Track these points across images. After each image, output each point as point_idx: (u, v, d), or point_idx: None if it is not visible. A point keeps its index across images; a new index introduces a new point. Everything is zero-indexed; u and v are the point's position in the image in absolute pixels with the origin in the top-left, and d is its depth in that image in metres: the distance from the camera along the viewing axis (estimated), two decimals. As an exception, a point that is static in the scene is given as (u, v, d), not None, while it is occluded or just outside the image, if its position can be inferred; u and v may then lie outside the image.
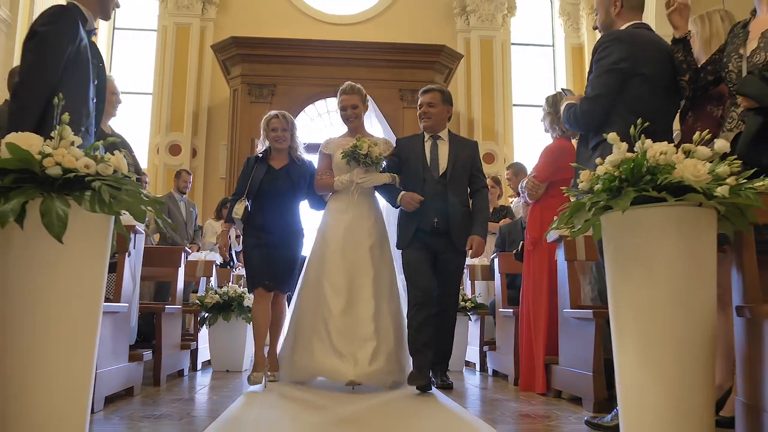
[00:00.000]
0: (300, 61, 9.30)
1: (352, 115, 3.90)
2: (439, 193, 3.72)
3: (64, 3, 2.74)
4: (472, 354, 5.26)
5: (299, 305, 3.83)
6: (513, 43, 11.31)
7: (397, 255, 3.89)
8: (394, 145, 3.96)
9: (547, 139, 4.03)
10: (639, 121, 1.85)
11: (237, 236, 6.29)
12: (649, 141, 1.78)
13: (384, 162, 3.82)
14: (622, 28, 2.65)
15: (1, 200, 1.57)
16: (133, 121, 10.22)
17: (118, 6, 2.91)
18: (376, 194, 3.95)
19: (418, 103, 3.94)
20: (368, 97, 4.03)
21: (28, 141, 1.64)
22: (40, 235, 1.60)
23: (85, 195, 1.63)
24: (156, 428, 2.46)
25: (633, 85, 2.48)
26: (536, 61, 11.69)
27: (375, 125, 4.22)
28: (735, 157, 1.81)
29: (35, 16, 8.76)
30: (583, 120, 2.59)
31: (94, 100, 2.70)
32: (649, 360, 1.73)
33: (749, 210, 1.76)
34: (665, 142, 1.80)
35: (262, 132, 4.06)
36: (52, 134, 1.75)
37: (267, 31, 9.97)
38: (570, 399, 3.26)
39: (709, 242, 1.77)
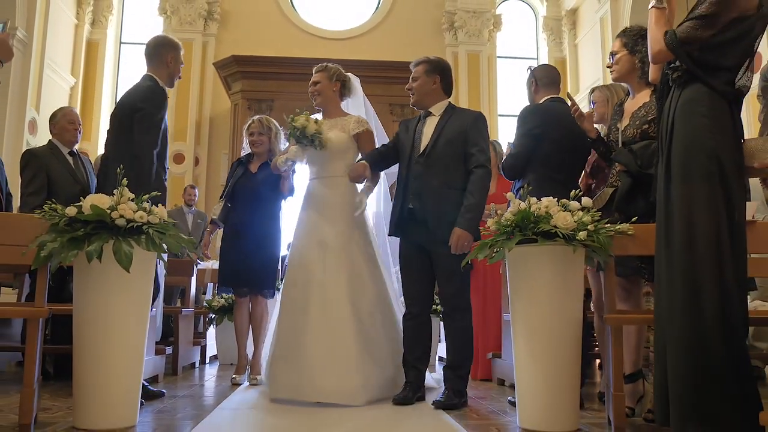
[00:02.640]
0: (297, 78, 9.81)
1: (314, 92, 3.67)
2: (418, 174, 3.31)
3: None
4: (443, 351, 5.98)
5: (279, 310, 3.55)
6: (499, 57, 11.94)
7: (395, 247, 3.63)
8: (370, 126, 3.62)
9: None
10: (526, 185, 2.60)
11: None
12: (534, 198, 2.53)
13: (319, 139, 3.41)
14: (541, 101, 3.42)
15: (86, 243, 2.31)
16: (140, 130, 10.86)
17: (180, 78, 3.61)
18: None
19: None
20: (349, 78, 3.78)
21: (101, 200, 2.39)
22: (112, 266, 2.34)
23: (142, 238, 2.38)
24: (180, 404, 3.21)
25: (543, 146, 3.24)
26: (521, 73, 12.26)
27: (370, 113, 3.89)
28: (596, 209, 2.57)
29: (49, 36, 9.47)
30: (507, 170, 3.39)
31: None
32: (532, 352, 2.51)
33: (608, 247, 2.50)
34: (550, 197, 2.55)
35: (244, 136, 4.25)
36: (114, 191, 2.49)
37: (265, 44, 10.58)
38: (510, 386, 3.99)
39: (577, 270, 2.54)
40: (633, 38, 2.99)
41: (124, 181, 2.49)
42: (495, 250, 2.58)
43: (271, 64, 10.00)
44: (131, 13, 11.77)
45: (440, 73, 3.45)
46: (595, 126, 3.15)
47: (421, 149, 3.35)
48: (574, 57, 11.81)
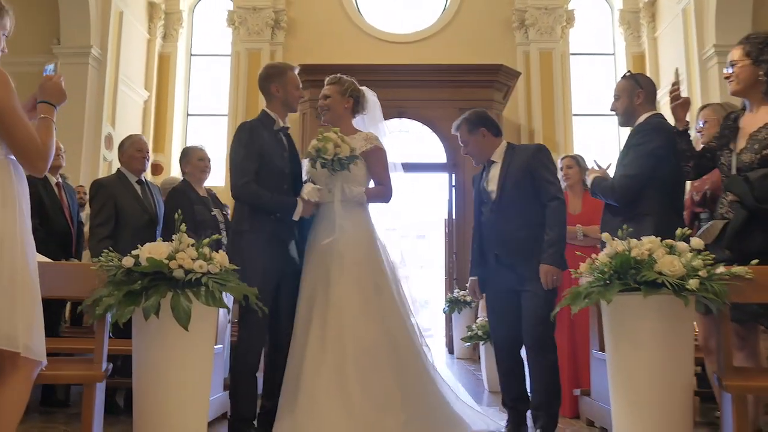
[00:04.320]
0: (363, 85, 9.59)
1: (323, 106, 3.45)
2: (493, 222, 3.30)
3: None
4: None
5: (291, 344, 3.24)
6: (572, 54, 11.49)
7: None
8: (380, 144, 3.39)
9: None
10: (625, 226, 2.29)
11: None
12: (635, 240, 2.22)
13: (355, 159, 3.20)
14: (644, 116, 3.06)
15: (143, 297, 2.17)
16: (211, 140, 11.02)
17: (302, 97, 3.44)
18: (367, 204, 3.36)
19: None
20: (363, 93, 3.52)
21: (158, 250, 2.24)
22: (171, 321, 2.19)
23: (201, 291, 2.21)
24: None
25: (664, 169, 2.89)
26: (597, 69, 11.82)
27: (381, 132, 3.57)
28: (707, 252, 2.23)
29: (123, 51, 9.66)
30: (620, 192, 2.98)
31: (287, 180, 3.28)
32: (634, 409, 2.20)
33: (724, 296, 2.17)
34: (653, 237, 2.24)
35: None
36: (173, 237, 2.34)
37: (332, 50, 10.49)
38: (601, 428, 3.67)
39: (687, 323, 2.21)
40: (758, 47, 2.61)
41: (183, 227, 2.34)
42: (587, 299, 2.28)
43: (337, 72, 9.86)
44: (200, 25, 11.92)
45: (482, 124, 3.40)
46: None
47: (492, 197, 3.33)
48: (653, 51, 11.21)
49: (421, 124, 9.92)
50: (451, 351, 8.62)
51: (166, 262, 2.22)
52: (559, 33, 11.25)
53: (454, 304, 7.92)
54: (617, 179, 3.02)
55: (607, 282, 2.21)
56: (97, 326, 2.33)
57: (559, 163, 4.38)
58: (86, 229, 4.58)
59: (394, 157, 3.56)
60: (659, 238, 2.24)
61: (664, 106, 8.88)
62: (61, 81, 2.15)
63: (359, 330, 3.08)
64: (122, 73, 10.04)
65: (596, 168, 3.22)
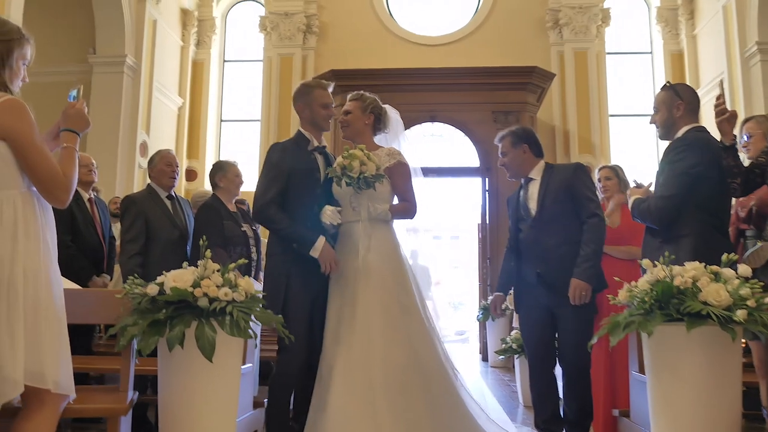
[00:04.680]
0: (395, 89, 9.59)
1: (344, 122, 3.35)
2: (533, 239, 3.29)
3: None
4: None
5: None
6: (608, 53, 11.25)
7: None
8: (403, 159, 3.32)
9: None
10: (667, 253, 2.17)
11: None
12: (677, 267, 2.10)
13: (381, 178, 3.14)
14: (684, 130, 2.92)
15: (167, 327, 2.13)
16: (245, 145, 11.11)
17: (331, 116, 3.29)
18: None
19: None
20: (385, 111, 3.42)
21: (183, 278, 2.20)
22: (195, 349, 2.15)
23: (226, 320, 2.17)
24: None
25: (702, 187, 2.76)
26: (633, 69, 11.56)
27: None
28: (756, 280, 2.10)
29: (157, 59, 9.76)
30: (657, 215, 2.87)
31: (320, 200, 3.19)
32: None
33: (772, 324, 2.05)
34: (696, 263, 2.12)
35: None
36: (198, 263, 2.30)
37: (364, 54, 10.45)
38: (641, 451, 3.55)
39: (734, 351, 2.08)
40: None
41: (208, 253, 2.31)
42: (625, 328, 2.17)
43: (369, 77, 9.82)
44: (233, 32, 11.99)
45: (526, 140, 3.44)
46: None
47: (532, 214, 3.33)
48: (692, 50, 10.91)
49: (453, 128, 9.79)
50: (485, 358, 8.51)
51: (191, 290, 2.18)
52: (595, 32, 11.02)
53: (488, 312, 7.79)
54: (654, 201, 2.91)
55: (648, 311, 2.10)
56: (123, 356, 2.30)
57: (596, 174, 4.26)
58: (118, 243, 4.60)
59: (417, 161, 3.51)
60: (703, 264, 2.12)
61: (704, 105, 8.69)
62: (84, 107, 2.13)
63: (386, 352, 3.01)
64: (156, 81, 10.15)
65: (636, 187, 3.09)
